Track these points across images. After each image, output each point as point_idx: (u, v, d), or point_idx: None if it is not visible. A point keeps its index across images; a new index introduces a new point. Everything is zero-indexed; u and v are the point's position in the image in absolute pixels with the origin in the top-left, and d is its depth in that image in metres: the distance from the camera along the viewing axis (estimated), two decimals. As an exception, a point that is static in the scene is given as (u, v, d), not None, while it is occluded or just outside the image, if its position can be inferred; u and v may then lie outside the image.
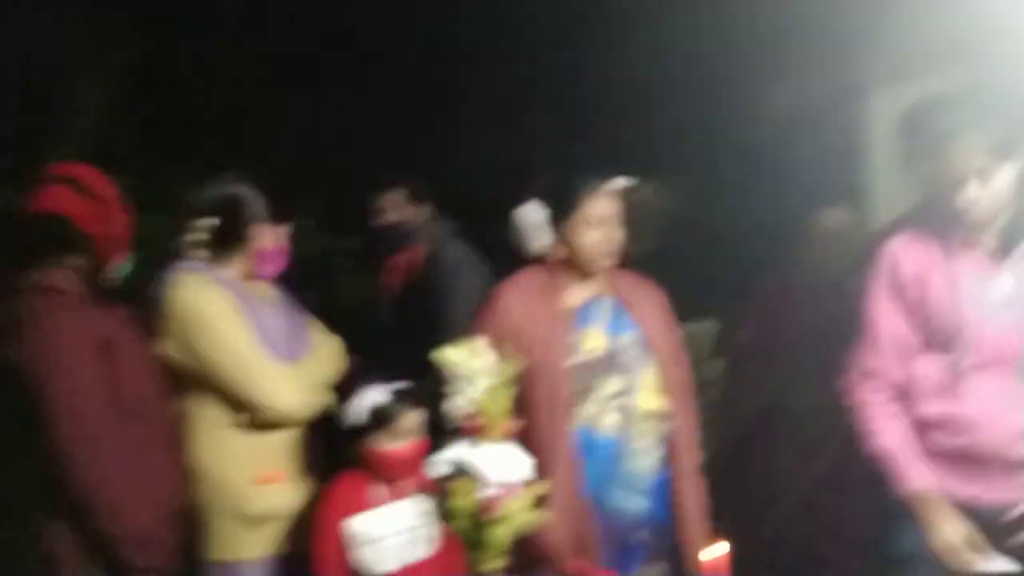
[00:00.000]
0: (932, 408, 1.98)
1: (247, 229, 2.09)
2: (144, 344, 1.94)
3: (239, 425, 2.03)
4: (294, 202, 2.27)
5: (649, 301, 2.24)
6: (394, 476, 2.11)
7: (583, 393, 2.11)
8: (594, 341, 2.14)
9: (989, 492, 1.93)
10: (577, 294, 2.18)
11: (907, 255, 2.01)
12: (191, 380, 1.99)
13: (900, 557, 1.97)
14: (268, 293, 2.18)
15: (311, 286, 2.53)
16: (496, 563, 1.57)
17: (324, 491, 2.06)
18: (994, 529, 1.93)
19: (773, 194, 5.40)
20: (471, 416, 1.57)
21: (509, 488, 1.53)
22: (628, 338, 2.15)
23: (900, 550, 1.96)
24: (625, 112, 4.83)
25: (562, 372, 2.07)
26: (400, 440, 2.01)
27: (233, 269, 2.11)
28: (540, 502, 1.58)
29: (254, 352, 2.00)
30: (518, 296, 2.15)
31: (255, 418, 2.03)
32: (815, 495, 2.59)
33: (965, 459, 1.95)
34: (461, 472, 1.55)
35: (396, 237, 3.19)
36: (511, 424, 1.59)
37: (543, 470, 2.01)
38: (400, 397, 1.97)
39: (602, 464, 2.08)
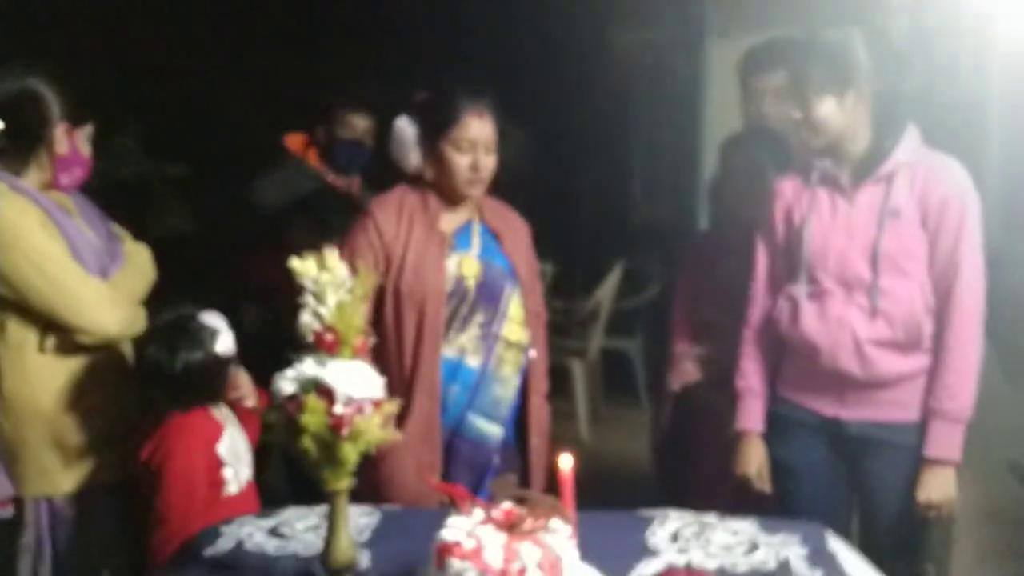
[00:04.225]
0: (786, 333, 2.12)
1: (43, 130, 1.88)
2: None
3: (51, 348, 1.86)
4: (112, 115, 2.08)
5: (516, 232, 2.23)
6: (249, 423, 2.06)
7: (452, 319, 2.09)
8: (468, 268, 2.11)
9: (851, 410, 2.09)
10: (450, 218, 2.14)
11: (783, 192, 2.19)
12: None
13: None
14: (71, 205, 1.99)
15: (126, 212, 2.33)
16: (344, 482, 1.52)
17: (177, 416, 1.95)
18: (864, 446, 2.08)
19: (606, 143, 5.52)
20: (320, 332, 1.50)
21: (359, 405, 1.48)
22: (499, 267, 2.14)
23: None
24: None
25: (435, 297, 2.04)
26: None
27: (30, 178, 1.90)
28: (390, 421, 1.54)
29: (67, 268, 1.83)
30: (392, 215, 2.09)
31: (70, 340, 1.87)
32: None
33: (825, 379, 2.11)
34: (309, 389, 1.48)
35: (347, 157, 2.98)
36: (363, 342, 1.53)
37: (405, 392, 1.99)
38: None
39: (464, 391, 2.08)
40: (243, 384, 2.14)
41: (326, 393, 1.47)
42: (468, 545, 1.43)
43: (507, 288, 2.17)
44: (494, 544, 1.43)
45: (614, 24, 5.50)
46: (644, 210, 5.80)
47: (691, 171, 4.25)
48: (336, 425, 1.45)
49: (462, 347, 2.11)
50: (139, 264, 2.10)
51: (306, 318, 1.52)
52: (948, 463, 2.03)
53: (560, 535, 1.47)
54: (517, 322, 2.18)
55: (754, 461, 2.21)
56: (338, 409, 1.46)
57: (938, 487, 2.03)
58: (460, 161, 2.08)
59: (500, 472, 2.18)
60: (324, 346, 1.50)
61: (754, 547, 1.68)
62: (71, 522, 1.94)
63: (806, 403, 2.17)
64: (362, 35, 4.96)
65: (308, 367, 1.49)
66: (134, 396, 2.04)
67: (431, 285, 2.06)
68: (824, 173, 2.11)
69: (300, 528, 1.79)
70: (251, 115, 4.65)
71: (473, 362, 2.12)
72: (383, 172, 2.34)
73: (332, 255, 1.54)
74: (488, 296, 2.14)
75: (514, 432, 2.23)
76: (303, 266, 1.52)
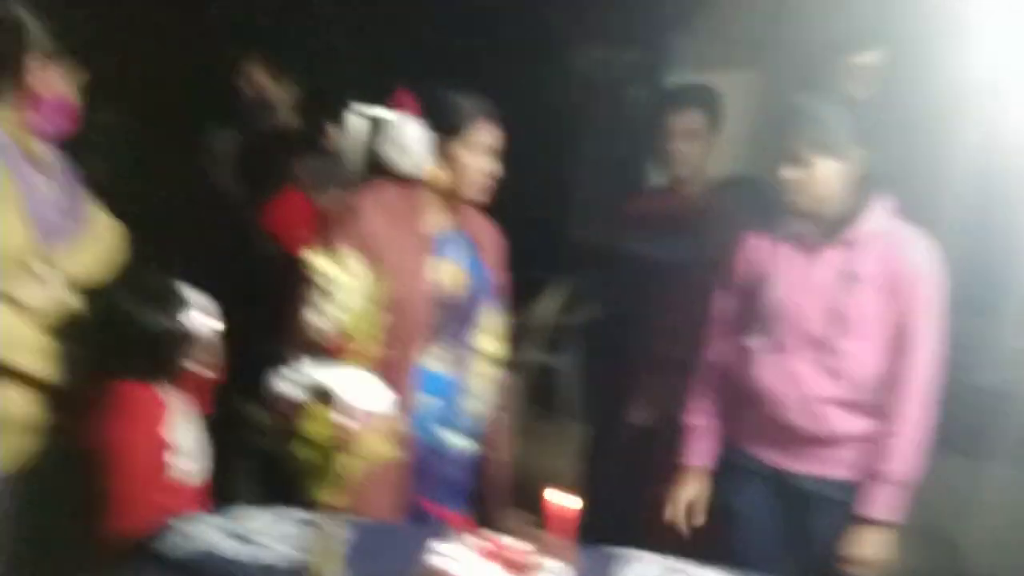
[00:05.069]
0: (744, 382, 2.13)
1: (19, 62, 1.71)
2: None
3: None
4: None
5: (494, 244, 2.18)
6: (192, 392, 1.94)
7: (431, 328, 2.02)
8: (452, 276, 2.04)
9: (799, 463, 2.11)
10: (433, 222, 2.06)
11: (748, 242, 2.17)
12: None
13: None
14: (43, 155, 1.82)
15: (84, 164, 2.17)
16: (338, 498, 1.43)
17: (116, 390, 1.82)
18: (808, 500, 2.10)
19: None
20: (334, 336, 1.41)
21: (368, 419, 1.40)
22: (479, 277, 2.09)
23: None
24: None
25: (420, 303, 1.96)
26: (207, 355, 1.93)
27: (2, 114, 1.73)
28: (394, 438, 1.46)
29: (14, 231, 1.66)
30: (381, 214, 2.00)
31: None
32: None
33: (776, 431, 2.13)
34: (313, 395, 1.39)
35: (256, 110, 2.93)
36: (377, 350, 1.45)
37: None
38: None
39: (437, 402, 2.01)
40: (208, 361, 2.01)
41: (330, 402, 1.38)
42: (458, 574, 1.38)
43: (485, 299, 2.12)
44: (488, 577, 1.38)
45: (574, 42, 5.49)
46: (584, 231, 5.82)
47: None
48: (340, 437, 1.37)
49: (438, 357, 2.05)
50: (99, 242, 1.94)
51: (312, 316, 1.43)
52: (880, 523, 2.06)
53: (555, 574, 1.43)
54: (494, 335, 2.14)
55: (683, 498, 2.26)
56: (344, 420, 1.38)
57: (865, 545, 2.06)
58: (475, 165, 2.02)
59: (468, 487, 2.12)
60: (334, 351, 1.42)
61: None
62: (11, 500, 1.78)
63: (755, 452, 2.20)
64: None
65: (314, 370, 1.40)
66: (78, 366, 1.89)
67: (412, 290, 1.97)
68: (791, 231, 2.14)
69: (276, 536, 1.68)
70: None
71: (448, 374, 2.06)
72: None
73: (353, 256, 1.46)
74: (468, 306, 2.08)
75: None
76: (320, 263, 1.44)
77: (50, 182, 1.83)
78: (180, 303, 1.90)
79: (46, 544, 1.82)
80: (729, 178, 2.61)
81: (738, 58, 3.66)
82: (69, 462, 1.86)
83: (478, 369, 2.11)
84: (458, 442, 2.09)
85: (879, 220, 2.08)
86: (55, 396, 1.85)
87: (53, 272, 1.79)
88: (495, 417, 2.18)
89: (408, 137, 2.01)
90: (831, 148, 2.04)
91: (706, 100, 2.68)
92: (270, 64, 2.95)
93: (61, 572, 1.77)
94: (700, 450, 2.27)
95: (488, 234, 2.18)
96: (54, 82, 1.78)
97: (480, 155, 2.02)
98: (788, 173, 2.07)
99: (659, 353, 2.61)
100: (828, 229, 2.11)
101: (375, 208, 2.01)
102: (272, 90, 2.97)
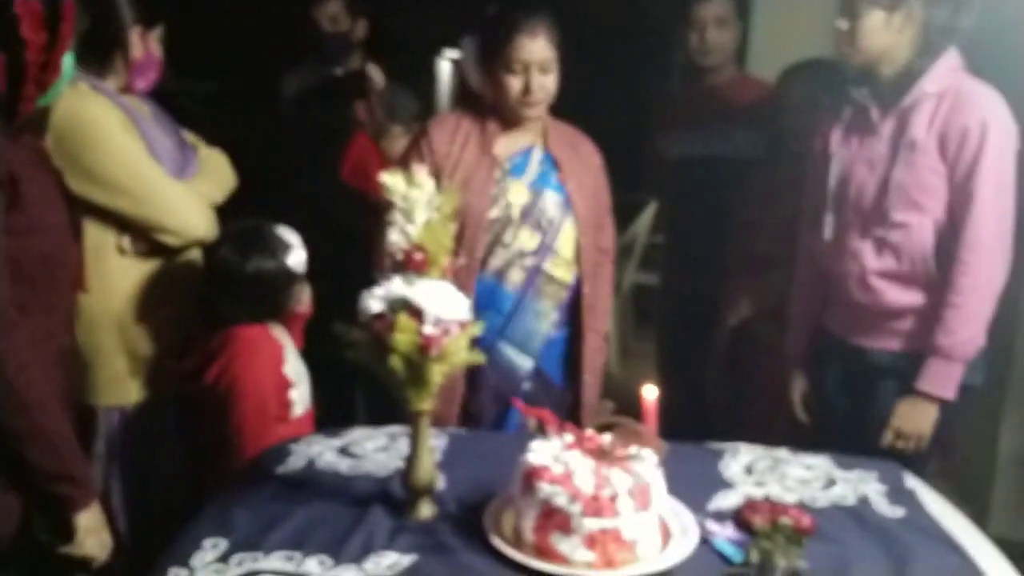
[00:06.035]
0: (819, 263, 2.17)
1: (119, 35, 1.84)
2: (55, 183, 1.61)
3: (129, 250, 1.83)
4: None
5: (582, 161, 2.17)
6: (291, 327, 2.04)
7: (494, 245, 2.06)
8: (515, 194, 2.07)
9: (865, 338, 2.09)
10: (509, 142, 2.10)
11: (821, 124, 2.19)
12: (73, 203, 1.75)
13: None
14: (146, 109, 1.95)
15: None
16: (427, 403, 1.50)
17: (237, 335, 1.93)
18: (875, 374, 2.07)
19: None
20: (410, 250, 1.46)
21: (447, 327, 1.45)
22: (550, 197, 2.10)
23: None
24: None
25: (480, 221, 2.01)
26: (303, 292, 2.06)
27: (109, 83, 1.86)
28: (472, 344, 1.51)
29: (153, 168, 1.80)
30: (447, 135, 2.05)
31: (148, 243, 1.84)
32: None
33: (844, 308, 2.16)
34: (398, 308, 1.45)
35: (335, 49, 3.01)
36: (450, 262, 1.49)
37: None
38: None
39: (498, 318, 2.05)
40: (305, 295, 2.11)
41: (415, 313, 1.44)
42: (557, 470, 1.42)
43: (556, 220, 2.11)
44: (583, 470, 1.42)
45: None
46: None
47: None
48: (425, 345, 1.42)
49: (500, 273, 2.07)
50: (215, 169, 2.06)
51: (395, 236, 1.48)
52: (933, 398, 1.99)
53: (648, 463, 1.45)
54: (564, 257, 2.12)
55: (796, 390, 2.27)
56: (427, 329, 1.43)
57: (913, 419, 2.01)
58: (512, 83, 2.01)
59: (533, 403, 2.16)
60: (413, 265, 1.47)
61: (831, 482, 1.67)
62: (140, 432, 1.93)
63: (838, 332, 2.18)
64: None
65: (397, 286, 1.46)
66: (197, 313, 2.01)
67: (473, 207, 2.00)
68: (856, 105, 2.07)
69: (370, 448, 1.78)
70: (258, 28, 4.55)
71: (510, 289, 2.08)
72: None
73: (421, 171, 1.50)
74: (535, 226, 2.09)
75: (563, 368, 2.20)
76: (392, 182, 1.48)
77: (162, 129, 1.95)
78: (283, 246, 1.98)
79: (162, 477, 1.96)
80: (801, 61, 2.52)
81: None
82: (188, 402, 2.00)
83: (545, 289, 2.12)
84: (517, 359, 2.11)
85: (939, 79, 1.96)
86: (177, 340, 1.98)
87: (197, 204, 1.92)
88: (585, 339, 2.17)
89: (467, 57, 2.05)
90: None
91: None
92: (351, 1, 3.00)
93: (176, 500, 1.90)
94: (799, 342, 2.26)
95: (578, 152, 2.17)
96: (146, 44, 1.91)
97: (518, 72, 2.00)
98: (841, 24, 1.99)
99: (744, 251, 2.58)
100: (888, 95, 2.01)
101: (443, 132, 2.07)
102: (351, 28, 3.01)
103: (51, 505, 1.50)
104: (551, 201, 2.11)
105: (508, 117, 2.07)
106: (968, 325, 1.96)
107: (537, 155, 2.12)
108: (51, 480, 1.47)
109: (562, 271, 2.13)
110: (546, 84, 2.03)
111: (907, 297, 2.03)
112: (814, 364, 2.26)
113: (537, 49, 2.00)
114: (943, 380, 1.98)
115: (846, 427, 2.16)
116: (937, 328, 1.97)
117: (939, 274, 1.98)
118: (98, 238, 1.82)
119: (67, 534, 1.51)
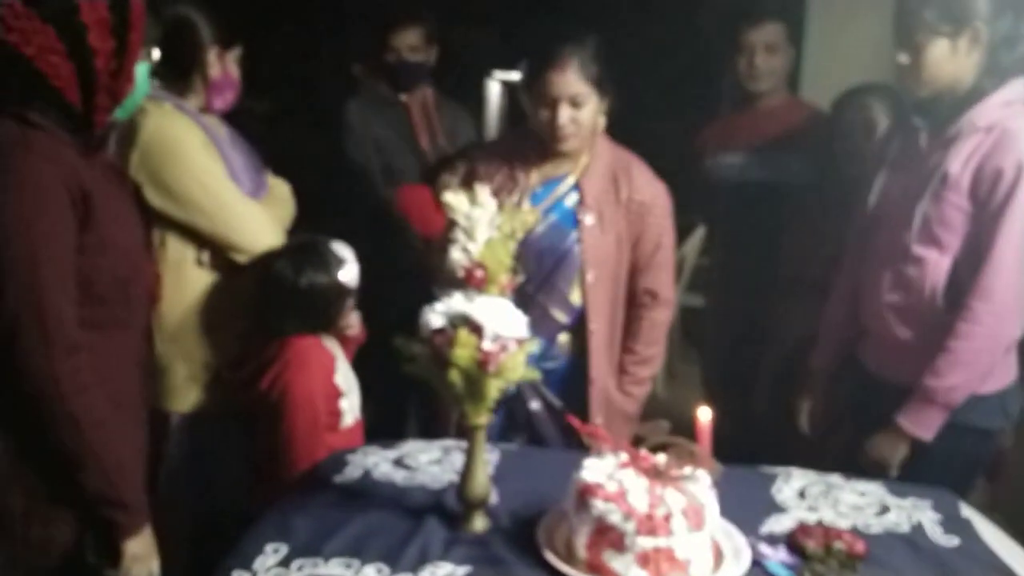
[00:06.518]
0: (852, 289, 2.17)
1: (197, 55, 1.91)
2: (129, 201, 1.62)
3: (207, 263, 1.90)
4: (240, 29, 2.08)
5: (617, 197, 2.09)
6: (342, 340, 2.09)
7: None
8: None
9: (880, 368, 2.07)
10: (547, 169, 2.12)
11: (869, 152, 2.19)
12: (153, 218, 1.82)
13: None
14: (223, 130, 2.02)
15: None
16: (484, 417, 1.53)
17: (290, 344, 1.98)
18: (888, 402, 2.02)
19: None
20: (471, 267, 1.50)
21: (505, 343, 1.48)
22: (562, 228, 2.08)
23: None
24: None
25: None
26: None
27: (189, 102, 1.94)
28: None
29: (230, 187, 1.87)
30: (492, 159, 2.10)
31: (224, 258, 1.91)
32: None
33: (867, 335, 2.14)
34: (459, 323, 1.48)
35: (410, 77, 2.98)
36: (510, 279, 1.52)
37: None
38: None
39: None
40: (354, 317, 2.16)
41: (475, 329, 1.47)
42: (611, 487, 1.44)
43: (560, 252, 2.05)
44: (638, 488, 1.43)
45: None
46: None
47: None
48: (483, 361, 1.45)
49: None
50: (281, 194, 2.13)
51: (456, 254, 1.52)
52: (907, 435, 1.94)
53: (701, 484, 1.46)
54: (561, 292, 2.08)
55: (804, 400, 2.31)
56: (486, 345, 1.46)
57: (882, 447, 1.97)
58: (542, 115, 2.01)
59: (535, 424, 2.14)
60: (473, 282, 1.50)
61: (885, 509, 1.67)
62: (206, 440, 1.99)
63: (860, 355, 2.17)
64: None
65: (458, 302, 1.49)
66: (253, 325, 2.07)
67: None
68: (910, 130, 2.02)
69: (424, 461, 1.81)
70: (319, 47, 4.61)
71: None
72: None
73: (483, 190, 1.54)
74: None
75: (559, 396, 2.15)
76: (456, 201, 1.52)
77: (236, 150, 2.02)
78: (336, 261, 2.03)
79: (218, 483, 2.01)
80: (858, 86, 2.53)
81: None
82: (243, 412, 2.05)
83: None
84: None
85: (989, 113, 1.85)
86: (234, 350, 2.04)
87: (269, 224, 1.98)
88: (592, 384, 2.12)
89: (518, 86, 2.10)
90: (946, 24, 1.82)
91: (783, 11, 2.75)
92: (429, 26, 2.95)
93: (230, 505, 1.94)
94: (824, 354, 2.26)
95: (610, 188, 2.09)
96: (224, 64, 1.97)
97: (547, 106, 1.99)
98: (901, 59, 1.90)
99: (794, 275, 2.58)
100: (943, 122, 1.92)
101: (489, 156, 2.14)
102: (427, 57, 2.97)
103: (102, 528, 1.50)
104: (560, 231, 2.07)
105: (547, 145, 2.08)
106: (956, 372, 1.88)
107: (563, 186, 2.10)
108: (101, 504, 1.48)
109: (557, 308, 2.09)
110: (578, 118, 1.99)
111: (911, 333, 1.98)
112: (835, 381, 2.26)
113: (565, 83, 1.96)
114: (922, 420, 1.93)
115: (843, 451, 2.14)
116: (927, 368, 1.90)
117: (947, 315, 1.90)
118: (179, 251, 1.90)
119: (115, 558, 1.51)
